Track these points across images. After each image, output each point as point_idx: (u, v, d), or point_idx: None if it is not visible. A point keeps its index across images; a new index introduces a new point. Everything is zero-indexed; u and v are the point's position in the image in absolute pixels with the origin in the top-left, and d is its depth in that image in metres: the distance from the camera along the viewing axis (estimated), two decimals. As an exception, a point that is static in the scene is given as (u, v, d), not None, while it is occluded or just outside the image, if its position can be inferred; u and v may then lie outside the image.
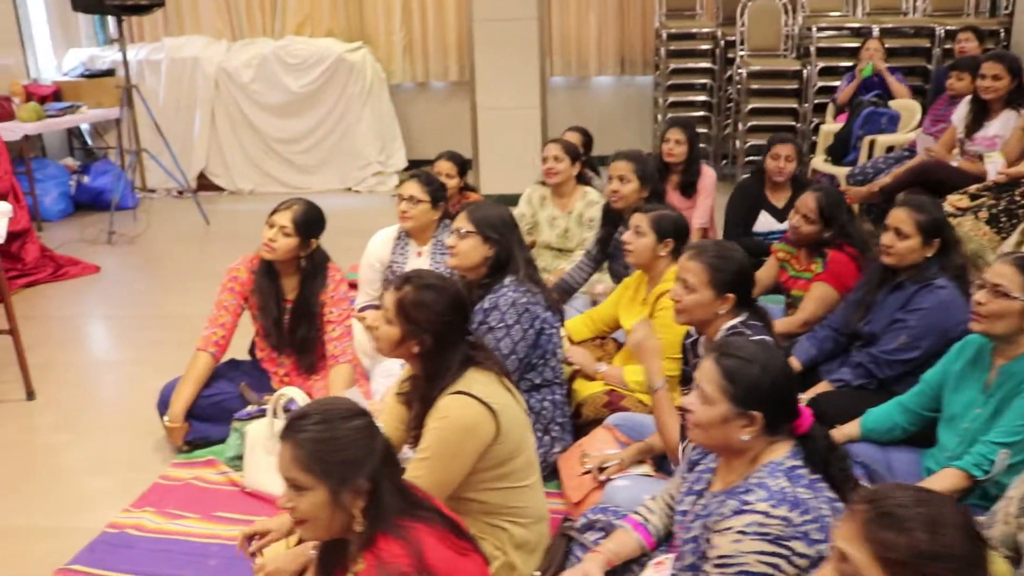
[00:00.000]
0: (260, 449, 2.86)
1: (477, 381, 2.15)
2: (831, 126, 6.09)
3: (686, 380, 2.71)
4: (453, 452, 2.10)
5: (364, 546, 1.58)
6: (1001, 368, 2.43)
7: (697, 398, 1.87)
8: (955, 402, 2.57)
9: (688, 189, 4.74)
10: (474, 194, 4.72)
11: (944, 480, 2.38)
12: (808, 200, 3.52)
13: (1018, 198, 4.04)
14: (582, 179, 4.45)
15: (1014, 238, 3.87)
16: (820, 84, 6.82)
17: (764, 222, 4.50)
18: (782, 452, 1.86)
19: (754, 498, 1.76)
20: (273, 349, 3.32)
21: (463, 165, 4.60)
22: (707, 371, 1.86)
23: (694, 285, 2.49)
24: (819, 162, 5.91)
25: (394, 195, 3.69)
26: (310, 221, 3.18)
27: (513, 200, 4.37)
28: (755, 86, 6.95)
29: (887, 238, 3.01)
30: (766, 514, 1.72)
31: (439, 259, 3.63)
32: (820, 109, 6.76)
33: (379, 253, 3.72)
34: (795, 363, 3.16)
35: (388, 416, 2.44)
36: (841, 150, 5.69)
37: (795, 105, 6.93)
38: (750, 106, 6.88)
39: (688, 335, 2.74)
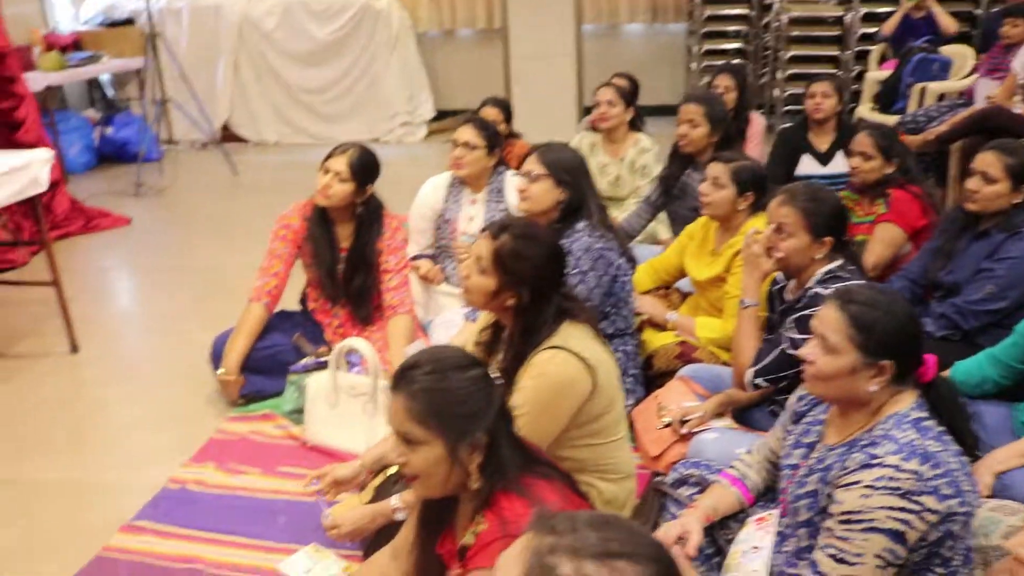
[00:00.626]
0: (322, 402, 2.77)
1: (573, 336, 2.05)
2: (876, 73, 5.91)
3: (771, 328, 2.59)
4: (549, 410, 2.01)
5: (484, 504, 1.48)
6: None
7: (818, 348, 1.76)
8: (1054, 354, 2.46)
9: (736, 137, 4.60)
10: (520, 140, 4.57)
11: (1047, 434, 2.28)
12: (862, 139, 3.47)
13: (1091, 145, 3.88)
14: (635, 125, 4.29)
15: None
16: (862, 31, 6.61)
17: (806, 165, 4.38)
18: (907, 403, 1.76)
19: (883, 451, 1.66)
20: (327, 300, 3.21)
21: (509, 111, 4.45)
22: (831, 319, 1.74)
23: (790, 230, 2.37)
24: (865, 110, 5.73)
25: (445, 142, 3.56)
26: (366, 166, 3.05)
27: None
28: (795, 33, 6.74)
29: (973, 183, 2.88)
30: (896, 468, 1.62)
31: (494, 207, 3.51)
32: (862, 57, 6.56)
33: (431, 201, 3.60)
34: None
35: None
36: (889, 98, 5.51)
37: (836, 52, 6.73)
38: (790, 54, 6.68)
39: (774, 281, 2.62)
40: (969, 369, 2.62)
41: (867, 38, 6.55)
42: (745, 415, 2.62)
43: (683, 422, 2.56)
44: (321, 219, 3.12)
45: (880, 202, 3.45)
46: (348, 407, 2.73)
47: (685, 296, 3.35)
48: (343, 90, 7.41)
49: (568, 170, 2.71)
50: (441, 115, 7.65)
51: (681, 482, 2.19)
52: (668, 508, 2.14)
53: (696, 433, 2.52)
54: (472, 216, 3.54)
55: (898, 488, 1.62)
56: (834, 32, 6.76)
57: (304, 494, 2.44)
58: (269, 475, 2.70)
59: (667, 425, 2.59)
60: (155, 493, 2.64)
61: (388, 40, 7.24)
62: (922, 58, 5.31)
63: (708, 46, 7.13)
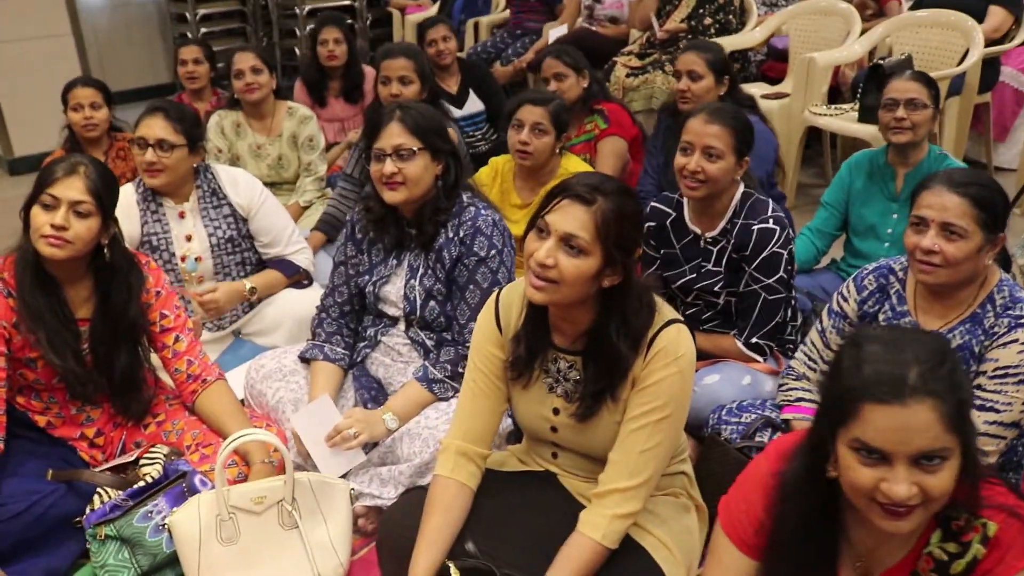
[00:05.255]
0: (213, 540, 1.81)
1: (665, 305, 1.66)
2: (412, 17, 5.89)
3: (668, 264, 2.40)
4: (686, 399, 1.63)
5: (977, 504, 1.19)
6: (908, 175, 2.66)
7: (940, 237, 1.75)
8: (867, 215, 2.76)
9: (354, 94, 4.27)
10: (124, 133, 3.45)
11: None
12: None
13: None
14: (279, 93, 3.59)
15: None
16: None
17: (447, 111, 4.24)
18: (996, 270, 1.86)
19: None
20: (72, 402, 2.11)
21: (108, 91, 3.38)
22: (954, 205, 1.74)
23: (720, 151, 2.20)
24: (416, 53, 5.67)
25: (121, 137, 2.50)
26: (111, 187, 2.04)
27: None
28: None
29: (683, 83, 3.03)
30: None
31: (213, 215, 2.69)
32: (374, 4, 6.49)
33: (126, 228, 2.56)
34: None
35: (478, 404, 1.73)
36: (443, 37, 5.55)
37: (350, 2, 6.51)
38: (308, 8, 6.27)
39: (660, 213, 2.43)
40: (802, 248, 2.82)
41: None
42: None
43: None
44: (38, 283, 1.99)
45: (594, 119, 3.43)
46: (257, 532, 1.84)
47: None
48: None
49: (442, 135, 2.14)
50: None
51: (750, 436, 1.98)
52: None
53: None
54: (189, 234, 2.66)
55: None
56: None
57: None
58: None
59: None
60: None
61: None
62: (467, -6, 5.45)
63: (203, 10, 6.31)
